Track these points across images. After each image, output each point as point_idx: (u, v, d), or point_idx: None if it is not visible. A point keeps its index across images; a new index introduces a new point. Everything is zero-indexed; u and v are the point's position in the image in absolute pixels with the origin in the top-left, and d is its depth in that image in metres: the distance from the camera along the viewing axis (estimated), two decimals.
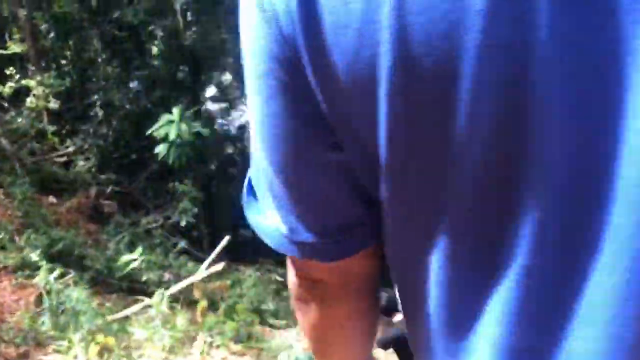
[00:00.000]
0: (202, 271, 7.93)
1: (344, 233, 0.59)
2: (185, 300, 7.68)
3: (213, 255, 8.15)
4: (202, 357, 5.16)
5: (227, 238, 8.37)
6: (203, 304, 6.52)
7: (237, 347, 5.84)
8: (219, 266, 7.96)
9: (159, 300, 5.99)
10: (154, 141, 10.58)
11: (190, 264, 9.99)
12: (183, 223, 10.58)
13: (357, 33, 0.42)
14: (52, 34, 11.20)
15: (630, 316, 0.40)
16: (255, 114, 0.55)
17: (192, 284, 7.86)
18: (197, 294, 7.12)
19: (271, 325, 9.26)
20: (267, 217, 0.62)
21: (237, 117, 13.06)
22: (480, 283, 0.47)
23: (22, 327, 5.25)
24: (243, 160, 13.12)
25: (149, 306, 6.07)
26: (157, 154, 10.48)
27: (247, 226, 0.66)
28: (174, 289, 7.63)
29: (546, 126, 0.40)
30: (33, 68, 10.85)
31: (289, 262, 0.72)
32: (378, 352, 1.29)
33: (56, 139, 10.89)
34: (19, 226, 7.83)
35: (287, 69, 0.48)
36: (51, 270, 6.15)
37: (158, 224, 10.56)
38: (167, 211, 10.72)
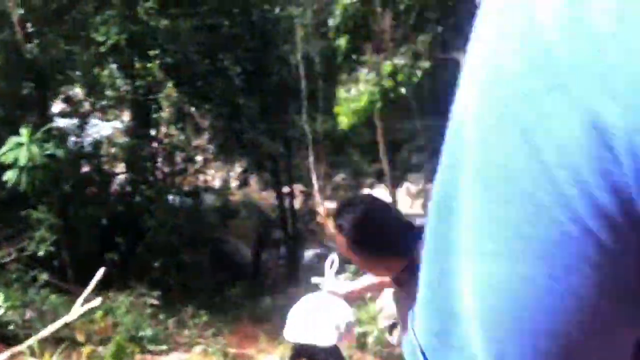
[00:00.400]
0: (78, 309, 7.57)
1: None
2: (54, 340, 7.32)
3: (87, 292, 7.80)
4: None
5: (102, 270, 8.06)
6: (88, 350, 6.30)
7: None
8: (96, 302, 7.67)
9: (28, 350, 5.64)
10: (1, 167, 9.74)
11: (54, 297, 9.43)
12: (41, 253, 9.91)
13: None
14: None
15: None
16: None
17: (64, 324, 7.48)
18: (79, 336, 6.84)
19: (151, 352, 9.12)
20: None
21: (91, 133, 12.40)
22: None
23: None
24: (101, 177, 12.53)
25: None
26: (6, 181, 9.67)
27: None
28: (45, 332, 7.21)
29: None
30: None
31: None
32: None
33: None
34: None
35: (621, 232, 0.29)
36: None
37: (12, 257, 9.76)
38: (22, 242, 9.94)
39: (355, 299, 2.47)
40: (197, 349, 10.07)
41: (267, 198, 19.65)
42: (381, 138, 11.25)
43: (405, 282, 2.03)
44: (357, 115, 8.29)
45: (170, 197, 13.50)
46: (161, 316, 10.13)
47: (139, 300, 10.02)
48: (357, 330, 8.62)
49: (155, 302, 10.03)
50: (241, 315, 13.73)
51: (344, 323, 2.38)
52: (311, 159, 12.78)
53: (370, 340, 9.35)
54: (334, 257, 2.60)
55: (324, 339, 2.33)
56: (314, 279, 2.61)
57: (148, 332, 9.25)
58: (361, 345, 9.42)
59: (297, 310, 2.54)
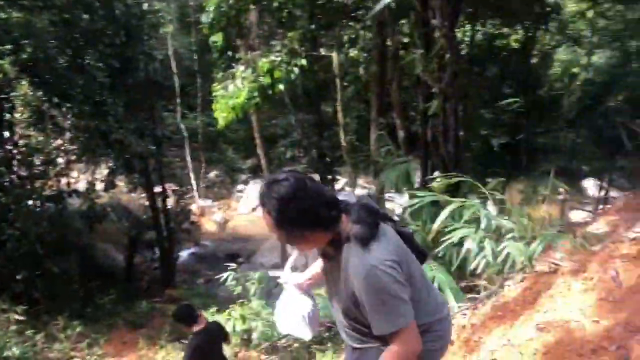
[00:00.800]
0: None
1: None
2: None
3: None
4: None
5: None
6: None
7: None
8: None
9: None
10: None
11: None
12: None
13: None
14: None
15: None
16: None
17: None
18: None
19: None
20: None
21: None
22: None
23: None
24: None
25: None
26: None
27: None
28: None
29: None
30: None
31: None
32: None
33: None
34: None
35: None
36: None
37: None
38: None
39: (310, 286, 2.53)
40: None
41: (137, 199, 18.92)
42: (257, 134, 11.33)
43: (333, 256, 2.14)
44: (235, 111, 8.27)
45: (30, 203, 12.50)
46: (28, 332, 9.40)
47: (1, 317, 9.20)
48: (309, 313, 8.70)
49: (20, 317, 9.27)
50: (117, 322, 13.18)
51: (306, 314, 2.51)
52: (188, 157, 12.51)
53: (254, 336, 9.46)
54: (292, 253, 2.72)
55: (302, 334, 2.52)
56: (279, 279, 2.69)
57: (15, 350, 8.55)
58: (246, 341, 9.51)
59: (277, 309, 2.65)
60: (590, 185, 17.07)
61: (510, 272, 3.66)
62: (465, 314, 3.63)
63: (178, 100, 13.59)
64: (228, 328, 9.33)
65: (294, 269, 2.66)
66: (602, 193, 13.29)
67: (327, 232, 2.07)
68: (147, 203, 17.76)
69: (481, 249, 3.04)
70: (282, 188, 2.00)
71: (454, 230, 3.34)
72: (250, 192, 22.81)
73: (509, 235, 3.17)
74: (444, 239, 3.21)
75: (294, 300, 2.54)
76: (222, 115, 8.45)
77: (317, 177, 16.33)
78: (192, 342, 5.26)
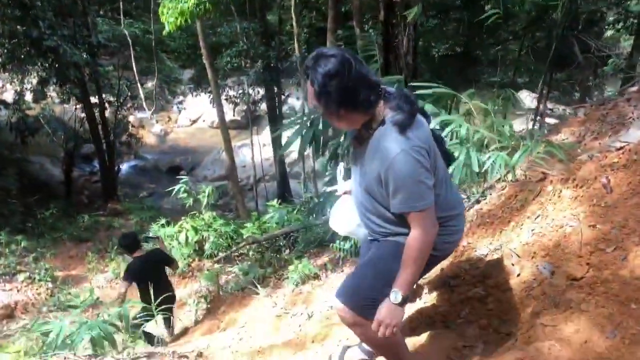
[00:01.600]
0: None
1: None
2: None
3: None
4: None
5: None
6: None
7: None
8: None
9: None
10: None
11: None
12: None
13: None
14: None
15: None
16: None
17: None
18: None
19: None
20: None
21: None
22: None
23: None
24: None
25: None
26: None
27: None
28: None
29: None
30: None
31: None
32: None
33: None
34: None
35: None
36: None
37: None
38: None
39: None
40: (21, 277, 9.39)
41: (72, 111, 18.07)
42: (202, 42, 10.91)
43: (364, 140, 2.22)
44: (184, 16, 7.88)
45: None
46: None
47: None
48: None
49: None
50: (61, 236, 12.98)
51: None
52: (135, 68, 11.93)
53: (207, 246, 9.62)
54: (341, 166, 2.82)
55: (357, 233, 2.66)
56: (329, 189, 2.83)
57: None
58: (199, 252, 9.67)
59: (333, 213, 2.77)
60: (524, 97, 17.71)
61: (492, 181, 3.84)
62: None
63: (120, 5, 12.75)
64: (181, 238, 9.48)
65: (344, 177, 2.76)
66: (541, 106, 13.79)
67: (364, 114, 2.14)
68: (83, 115, 17.00)
69: (467, 160, 3.15)
70: (329, 63, 2.02)
71: None
72: (190, 104, 22.24)
73: (493, 146, 3.29)
74: None
75: (349, 206, 2.65)
76: (170, 20, 8.05)
77: (262, 90, 16.08)
78: (131, 266, 5.71)
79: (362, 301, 2.26)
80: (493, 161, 3.21)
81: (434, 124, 3.14)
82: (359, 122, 2.18)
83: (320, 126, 4.42)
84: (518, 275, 2.59)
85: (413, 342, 2.63)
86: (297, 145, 4.64)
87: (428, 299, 2.99)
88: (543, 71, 14.47)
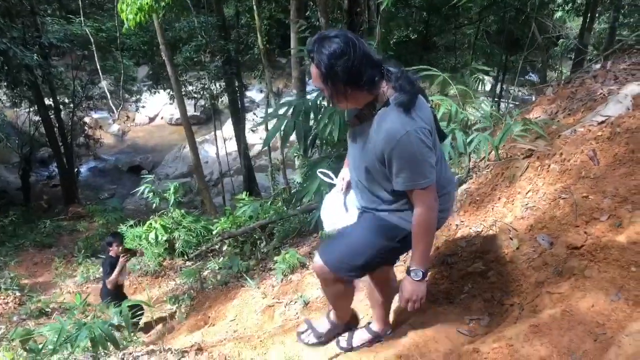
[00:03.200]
0: None
1: None
2: None
3: None
4: None
5: None
6: None
7: None
8: None
9: None
10: None
11: None
12: None
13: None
14: None
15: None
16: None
17: None
18: None
19: None
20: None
21: None
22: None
23: None
24: None
25: None
26: None
27: None
28: None
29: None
30: None
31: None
32: None
33: None
34: None
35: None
36: None
37: None
38: None
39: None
40: None
41: (25, 115, 17.48)
42: (161, 38, 10.70)
43: (366, 118, 2.28)
44: (143, 12, 7.72)
45: None
46: None
47: None
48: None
49: None
50: (24, 243, 12.56)
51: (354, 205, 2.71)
52: (98, 65, 11.60)
53: (177, 244, 9.55)
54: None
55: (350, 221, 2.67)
56: (325, 179, 2.85)
57: None
58: (169, 250, 9.58)
59: (325, 209, 2.80)
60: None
61: (475, 162, 3.94)
62: None
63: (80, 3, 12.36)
64: (151, 237, 9.36)
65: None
66: (498, 88, 14.13)
67: (368, 93, 2.19)
68: (37, 118, 16.46)
69: (453, 141, 3.23)
70: (332, 44, 2.07)
71: None
72: (148, 102, 21.82)
73: (476, 126, 3.37)
74: None
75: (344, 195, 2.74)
76: (129, 17, 7.87)
77: (223, 84, 15.90)
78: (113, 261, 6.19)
79: (341, 264, 2.51)
80: (479, 142, 3.30)
81: None
82: (363, 102, 2.25)
83: (301, 117, 4.44)
84: (517, 248, 2.69)
85: (419, 320, 2.70)
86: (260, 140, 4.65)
87: (428, 277, 3.04)
88: (498, 54, 14.89)
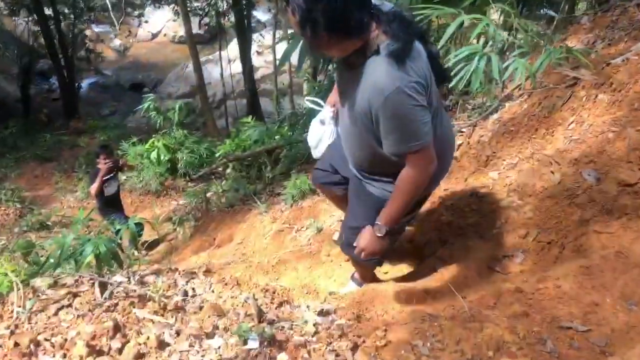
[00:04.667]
0: None
1: None
2: None
3: None
4: None
5: None
6: None
7: None
8: None
9: None
10: None
11: None
12: None
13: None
14: None
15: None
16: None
17: None
18: None
19: None
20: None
21: None
22: None
23: None
24: None
25: None
26: None
27: None
28: None
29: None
30: None
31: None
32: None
33: None
34: None
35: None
36: None
37: None
38: None
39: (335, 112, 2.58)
40: None
41: (24, 25, 16.89)
42: None
43: (356, 66, 1.96)
44: None
45: None
46: None
47: None
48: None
49: None
50: (24, 156, 12.42)
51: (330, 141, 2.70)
52: None
53: (180, 164, 9.45)
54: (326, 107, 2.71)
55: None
56: (312, 105, 2.71)
57: None
58: (172, 170, 9.49)
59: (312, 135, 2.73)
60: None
61: (509, 90, 3.67)
62: (463, 132, 3.63)
63: None
64: (153, 156, 9.20)
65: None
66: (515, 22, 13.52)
67: (355, 40, 1.87)
68: (36, 28, 15.88)
69: (487, 66, 2.94)
70: None
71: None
72: (150, 17, 21.10)
73: (516, 52, 3.08)
74: (449, 57, 3.05)
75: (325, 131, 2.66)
76: None
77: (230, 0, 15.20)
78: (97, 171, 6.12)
79: (346, 241, 2.47)
80: (515, 67, 3.03)
81: (455, 25, 2.91)
82: (351, 49, 1.92)
83: None
84: (559, 183, 2.49)
85: (447, 253, 2.55)
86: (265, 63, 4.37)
87: (454, 209, 2.88)
88: None
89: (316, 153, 2.70)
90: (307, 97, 2.68)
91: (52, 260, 2.86)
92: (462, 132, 3.63)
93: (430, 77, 2.00)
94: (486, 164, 3.08)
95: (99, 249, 2.82)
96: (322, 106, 2.62)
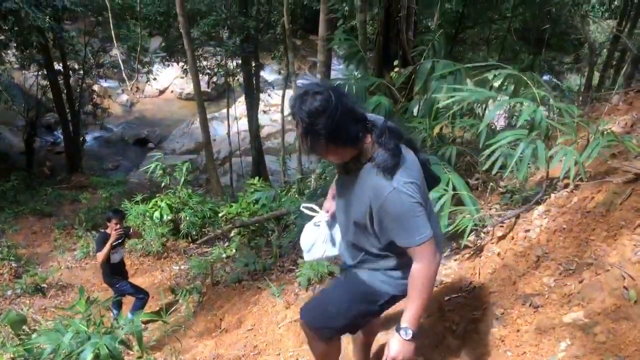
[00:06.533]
0: None
1: None
2: None
3: None
4: None
5: None
6: None
7: None
8: None
9: None
10: None
11: None
12: None
13: None
14: None
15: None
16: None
17: None
18: None
19: None
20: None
21: None
22: None
23: None
24: None
25: None
26: None
27: None
28: None
29: None
30: None
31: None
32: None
33: None
34: None
35: None
36: None
37: None
38: None
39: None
40: None
41: (33, 78, 16.95)
42: (180, 10, 10.14)
43: (353, 170, 2.21)
44: None
45: None
46: None
47: None
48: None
49: None
50: (23, 210, 12.13)
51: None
52: (113, 32, 11.03)
53: (182, 225, 9.23)
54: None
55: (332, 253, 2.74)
56: (308, 212, 2.81)
57: None
58: (174, 230, 9.22)
59: (306, 241, 2.79)
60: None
61: (554, 179, 3.35)
62: (503, 224, 3.30)
63: None
64: (155, 216, 8.93)
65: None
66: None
67: (351, 149, 2.12)
68: (45, 82, 15.94)
69: (533, 154, 2.70)
70: (314, 101, 1.99)
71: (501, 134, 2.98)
72: (159, 74, 21.23)
73: (560, 139, 2.84)
74: (492, 142, 2.82)
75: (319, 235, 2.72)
76: None
77: (238, 61, 15.34)
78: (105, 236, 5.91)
79: (321, 325, 2.54)
80: (563, 155, 2.77)
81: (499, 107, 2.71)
82: (348, 156, 2.17)
83: None
84: (635, 302, 2.18)
85: None
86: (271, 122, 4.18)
87: (505, 321, 2.53)
88: (526, 51, 14.25)
89: (308, 256, 2.77)
90: (303, 204, 2.76)
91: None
92: (502, 224, 3.30)
93: (422, 181, 2.24)
94: (536, 266, 2.74)
95: (99, 349, 2.50)
96: (317, 212, 2.72)
